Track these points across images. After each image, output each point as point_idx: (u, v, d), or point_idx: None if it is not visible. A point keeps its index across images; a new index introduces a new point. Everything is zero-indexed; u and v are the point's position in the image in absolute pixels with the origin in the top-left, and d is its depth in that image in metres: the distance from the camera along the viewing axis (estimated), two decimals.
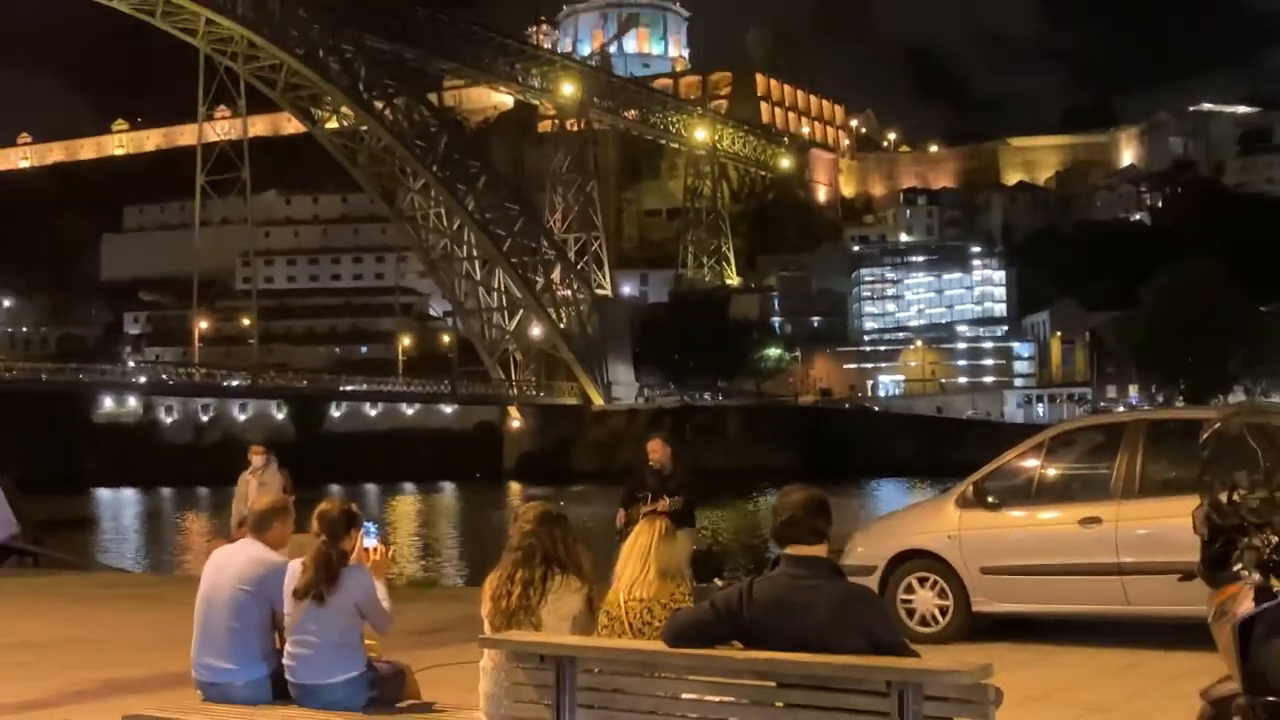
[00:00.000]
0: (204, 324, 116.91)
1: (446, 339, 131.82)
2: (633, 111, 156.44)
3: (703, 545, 16.22)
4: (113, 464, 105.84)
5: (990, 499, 11.53)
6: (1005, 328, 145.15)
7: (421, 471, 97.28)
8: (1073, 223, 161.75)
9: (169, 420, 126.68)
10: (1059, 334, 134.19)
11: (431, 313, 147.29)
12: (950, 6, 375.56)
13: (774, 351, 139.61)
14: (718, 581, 13.46)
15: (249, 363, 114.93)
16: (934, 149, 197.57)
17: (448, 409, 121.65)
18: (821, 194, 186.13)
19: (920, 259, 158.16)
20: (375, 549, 6.73)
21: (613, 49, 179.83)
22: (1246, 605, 5.18)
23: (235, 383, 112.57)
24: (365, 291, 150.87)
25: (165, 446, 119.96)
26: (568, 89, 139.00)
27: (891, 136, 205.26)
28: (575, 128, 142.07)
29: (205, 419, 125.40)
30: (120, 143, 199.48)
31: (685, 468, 13.64)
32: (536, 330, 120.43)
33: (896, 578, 11.66)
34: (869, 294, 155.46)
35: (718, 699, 5.20)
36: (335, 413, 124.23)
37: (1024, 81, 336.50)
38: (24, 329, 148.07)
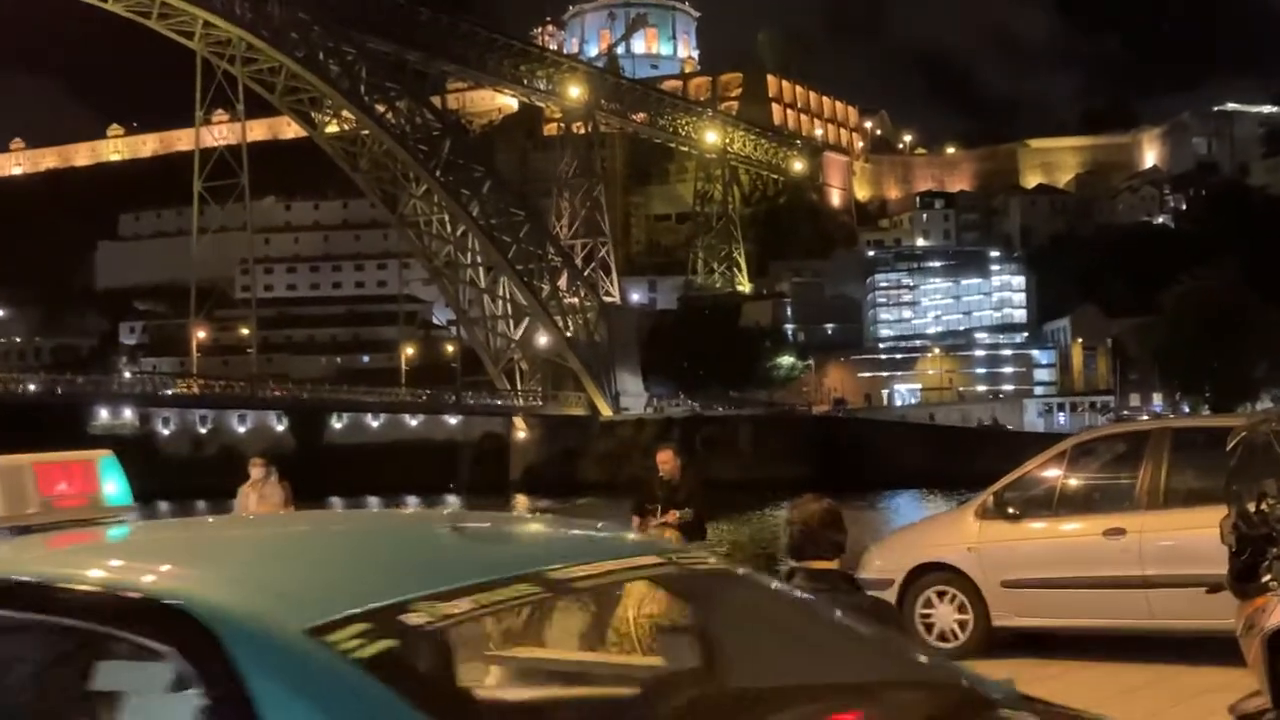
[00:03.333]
0: (202, 334, 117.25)
1: (450, 348, 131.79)
2: (641, 114, 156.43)
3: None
4: None
5: (1011, 510, 11.52)
6: (1025, 334, 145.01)
7: (425, 484, 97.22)
8: (1093, 226, 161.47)
9: (166, 432, 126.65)
10: (1080, 341, 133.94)
11: (435, 321, 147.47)
12: (964, 8, 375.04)
13: (786, 360, 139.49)
14: None
15: (248, 373, 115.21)
16: (950, 151, 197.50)
17: (452, 420, 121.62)
18: (835, 198, 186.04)
19: (937, 264, 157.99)
20: None
21: (620, 50, 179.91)
22: (1276, 618, 5.17)
23: (234, 393, 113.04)
24: (367, 300, 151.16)
25: (162, 459, 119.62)
26: (574, 91, 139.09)
27: (907, 139, 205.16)
28: (582, 131, 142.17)
29: (203, 431, 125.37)
30: (116, 148, 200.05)
31: (694, 479, 13.58)
32: (543, 339, 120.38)
33: (914, 591, 11.65)
34: (884, 300, 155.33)
35: None
36: (337, 424, 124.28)
37: (1042, 83, 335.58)
38: (17, 339, 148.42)
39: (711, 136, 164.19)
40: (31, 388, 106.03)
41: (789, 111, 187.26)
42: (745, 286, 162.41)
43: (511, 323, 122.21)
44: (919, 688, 3.48)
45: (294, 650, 2.64)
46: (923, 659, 3.94)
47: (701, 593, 3.75)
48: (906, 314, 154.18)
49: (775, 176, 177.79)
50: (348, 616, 2.71)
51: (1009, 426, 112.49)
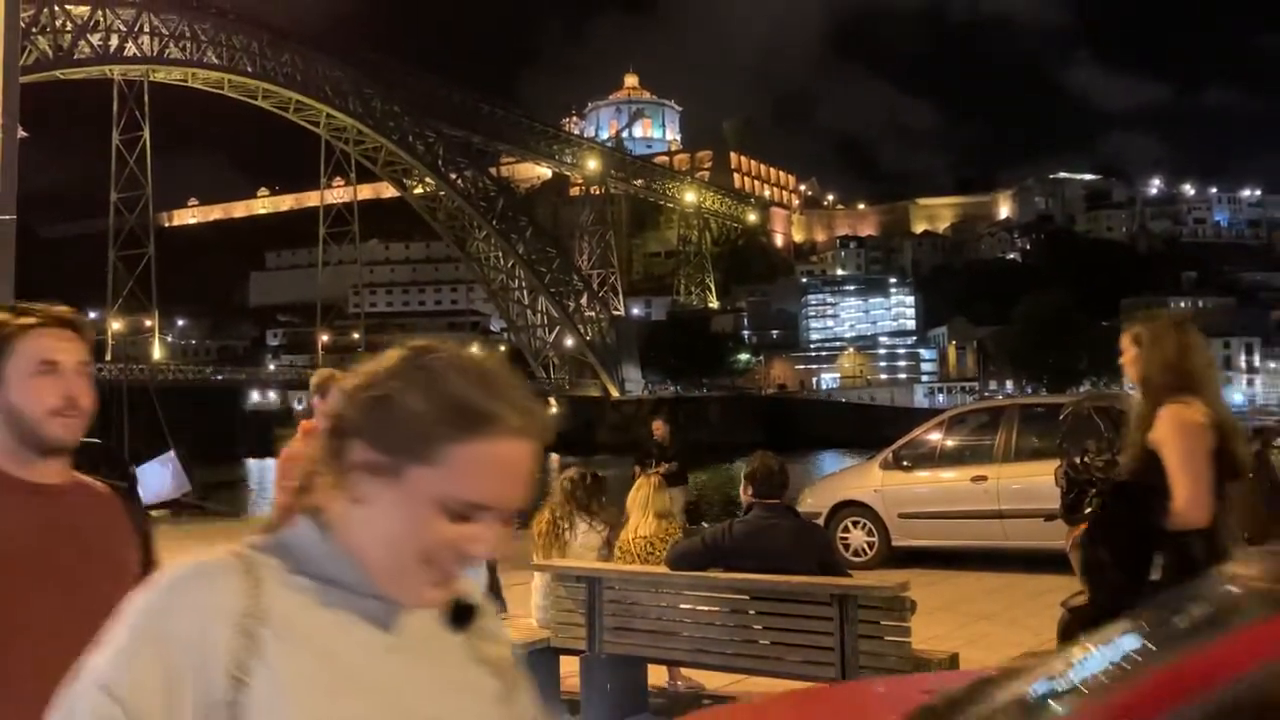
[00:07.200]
0: (325, 338, 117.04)
1: (503, 348, 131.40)
2: (639, 180, 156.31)
3: (692, 498, 16.16)
4: (258, 440, 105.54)
5: (905, 463, 11.54)
6: (914, 338, 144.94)
7: None
8: (964, 261, 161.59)
9: (299, 408, 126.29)
10: (954, 342, 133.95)
11: (492, 329, 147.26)
12: (872, 105, 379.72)
13: (744, 356, 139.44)
14: (704, 524, 13.43)
15: None
16: (861, 207, 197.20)
17: None
18: (779, 240, 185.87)
19: (851, 288, 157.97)
20: None
21: (625, 135, 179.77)
22: None
23: None
24: (443, 313, 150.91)
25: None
26: (591, 164, 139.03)
27: (830, 198, 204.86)
28: (597, 192, 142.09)
29: None
30: (263, 204, 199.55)
31: (679, 442, 13.63)
32: (569, 341, 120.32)
33: (836, 521, 11.68)
34: (814, 313, 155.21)
35: (706, 608, 5.23)
36: None
37: (927, 158, 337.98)
38: (192, 341, 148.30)
39: (690, 196, 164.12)
40: (205, 376, 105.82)
41: (746, 178, 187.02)
42: (714, 304, 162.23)
43: (547, 330, 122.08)
44: None
45: None
46: None
47: None
48: (829, 323, 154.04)
49: (736, 225, 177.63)
50: None
51: (903, 404, 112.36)
